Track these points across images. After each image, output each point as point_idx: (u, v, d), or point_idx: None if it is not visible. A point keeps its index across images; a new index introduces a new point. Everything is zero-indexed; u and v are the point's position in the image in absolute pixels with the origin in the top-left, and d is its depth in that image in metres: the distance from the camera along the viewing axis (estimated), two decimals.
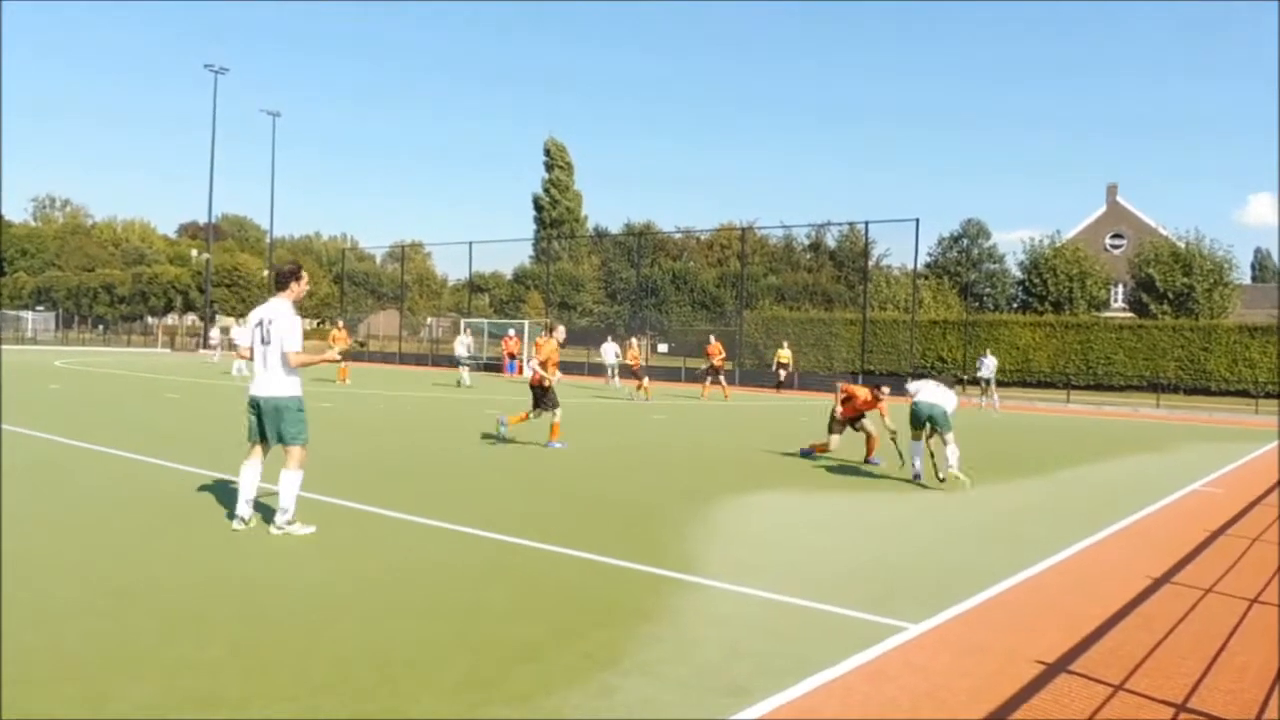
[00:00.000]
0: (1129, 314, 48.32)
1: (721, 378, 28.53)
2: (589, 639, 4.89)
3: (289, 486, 7.08)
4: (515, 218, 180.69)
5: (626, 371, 28.06)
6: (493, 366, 42.63)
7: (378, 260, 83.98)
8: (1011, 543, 8.00)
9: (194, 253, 79.36)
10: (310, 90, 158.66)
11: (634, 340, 29.15)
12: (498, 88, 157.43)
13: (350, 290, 64.84)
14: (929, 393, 11.31)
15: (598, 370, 35.71)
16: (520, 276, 70.48)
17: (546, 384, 13.15)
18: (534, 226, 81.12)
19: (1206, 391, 38.99)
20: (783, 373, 33.97)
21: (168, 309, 79.50)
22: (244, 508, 7.26)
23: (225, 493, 8.59)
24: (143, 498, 8.47)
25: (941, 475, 10.94)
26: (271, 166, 59.77)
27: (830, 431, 13.03)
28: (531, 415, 13.45)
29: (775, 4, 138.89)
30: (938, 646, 5.03)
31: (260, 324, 7.17)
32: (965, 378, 30.43)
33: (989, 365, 28.63)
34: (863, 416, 12.99)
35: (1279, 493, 11.72)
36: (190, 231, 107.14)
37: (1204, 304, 45.07)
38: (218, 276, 71.18)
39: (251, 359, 7.30)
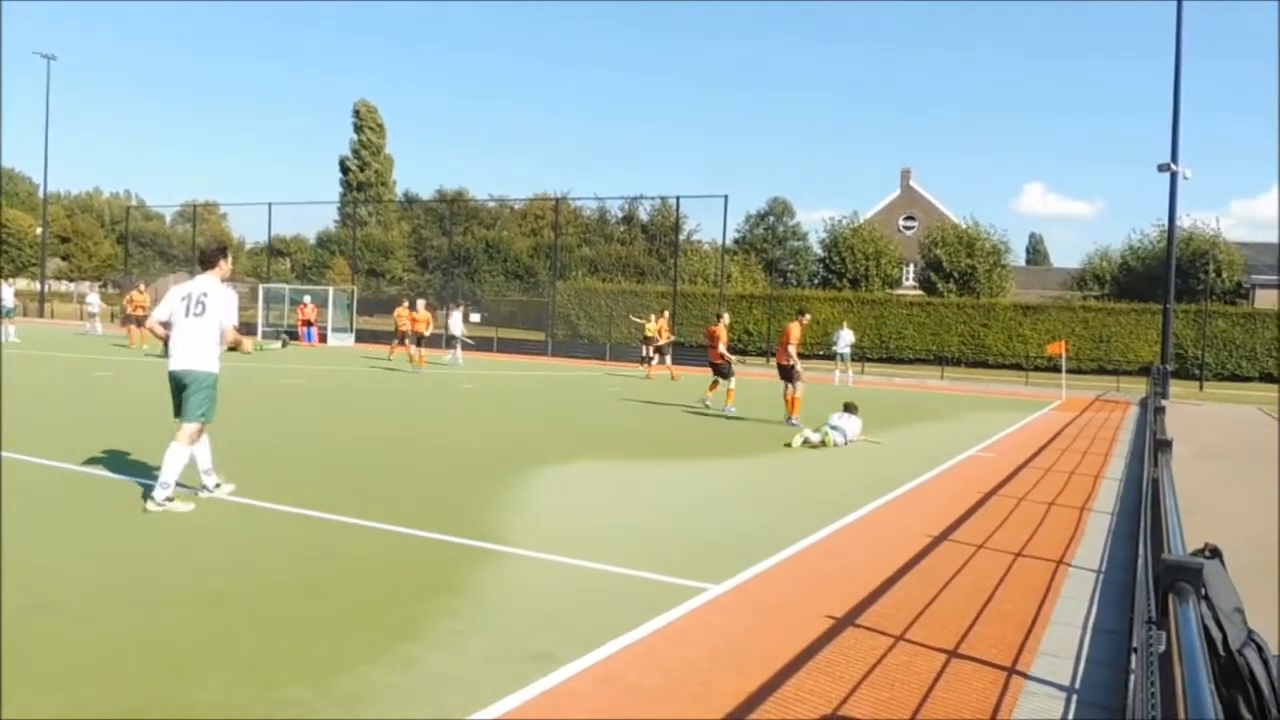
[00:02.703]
0: (919, 292, 51.49)
1: (668, 357, 26.66)
2: (390, 613, 4.77)
3: (175, 462, 6.88)
4: (319, 179, 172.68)
5: (416, 338, 25.31)
6: (290, 334, 40.78)
7: (167, 220, 78.69)
8: (808, 508, 8.37)
9: None
10: (90, 30, 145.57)
11: (420, 303, 25.95)
12: (301, 37, 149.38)
13: (136, 252, 60.53)
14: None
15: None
16: (324, 241, 67.76)
17: (725, 359, 16.55)
18: (339, 189, 78.08)
19: (985, 364, 42.12)
20: (647, 347, 33.53)
21: None
22: (206, 478, 7.32)
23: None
24: None
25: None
26: (46, 115, 53.98)
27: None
28: (720, 384, 16.70)
29: None
30: (737, 606, 5.22)
31: (187, 298, 7.06)
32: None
33: (845, 339, 29.20)
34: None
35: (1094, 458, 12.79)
36: None
37: (984, 284, 48.63)
38: None
39: (163, 337, 7.13)
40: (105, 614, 4.59)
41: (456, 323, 29.27)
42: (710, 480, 9.56)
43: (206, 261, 7.28)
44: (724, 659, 4.37)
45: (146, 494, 7.04)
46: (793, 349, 14.75)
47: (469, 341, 29.47)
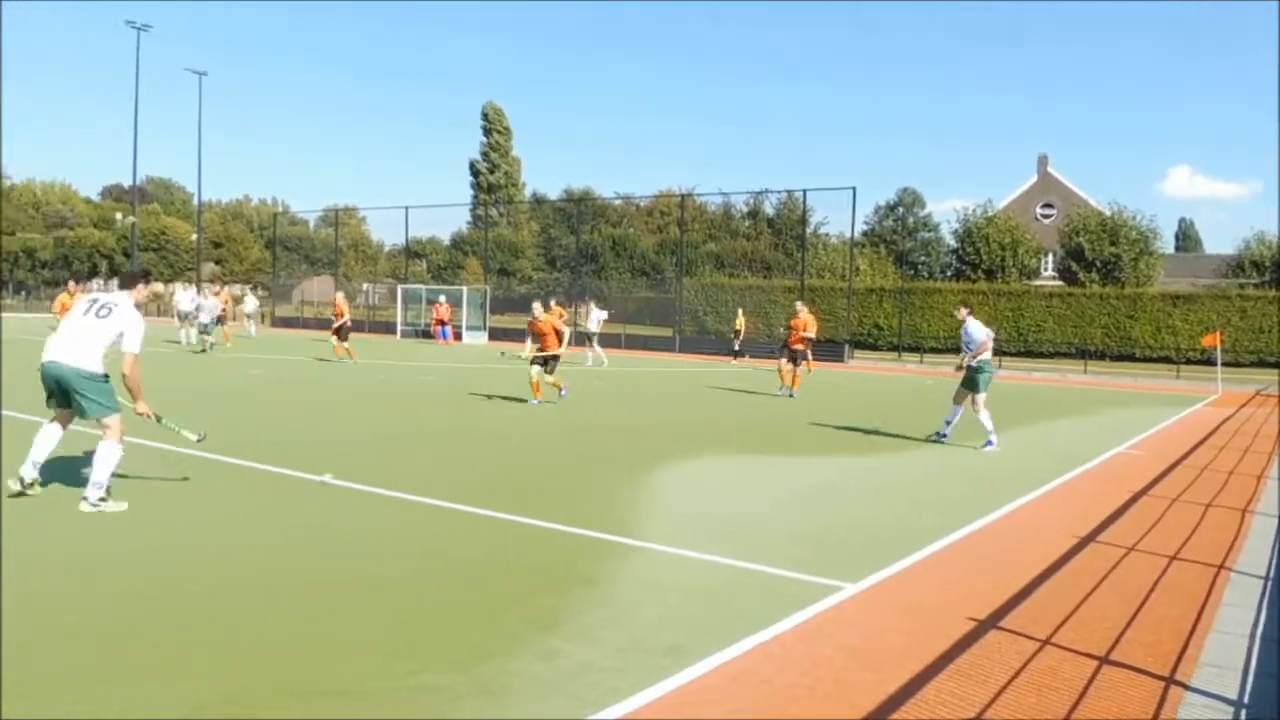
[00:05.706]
0: (1058, 282, 49.37)
1: (809, 352, 19.82)
2: (527, 604, 4.87)
3: (107, 460, 6.57)
4: (453, 182, 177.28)
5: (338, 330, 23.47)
6: (426, 333, 42.16)
7: (311, 225, 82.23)
8: (943, 504, 8.14)
9: (119, 216, 77.04)
10: (237, 48, 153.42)
11: (337, 298, 23.61)
12: (433, 45, 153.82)
13: (283, 255, 63.49)
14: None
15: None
16: (458, 242, 69.66)
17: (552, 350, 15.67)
18: (471, 192, 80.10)
19: (1131, 358, 40.07)
20: (737, 341, 33.64)
21: (92, 274, 77.14)
22: (28, 468, 6.80)
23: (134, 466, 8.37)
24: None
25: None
26: (198, 128, 57.17)
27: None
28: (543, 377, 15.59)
29: None
30: (872, 605, 5.11)
31: (94, 300, 6.89)
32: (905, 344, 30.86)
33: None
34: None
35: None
36: (114, 194, 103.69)
37: (1130, 273, 46.30)
38: (144, 240, 69.29)
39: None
40: (260, 600, 4.82)
41: (594, 318, 27.68)
42: (837, 475, 9.39)
43: (124, 283, 7.11)
44: (860, 658, 4.29)
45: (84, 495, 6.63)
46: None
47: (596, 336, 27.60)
